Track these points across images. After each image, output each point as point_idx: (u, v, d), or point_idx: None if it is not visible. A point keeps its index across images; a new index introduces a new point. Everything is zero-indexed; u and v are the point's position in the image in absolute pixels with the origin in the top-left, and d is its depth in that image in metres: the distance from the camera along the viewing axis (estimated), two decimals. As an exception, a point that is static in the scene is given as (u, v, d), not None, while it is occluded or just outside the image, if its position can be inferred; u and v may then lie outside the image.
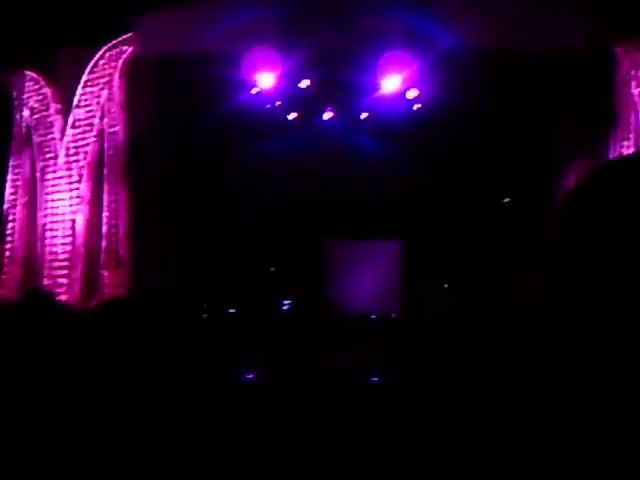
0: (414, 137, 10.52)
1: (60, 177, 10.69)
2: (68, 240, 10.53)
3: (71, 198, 10.59)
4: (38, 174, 10.84)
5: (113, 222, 10.42)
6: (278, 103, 10.49)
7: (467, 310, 9.42)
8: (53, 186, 10.74)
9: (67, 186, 10.62)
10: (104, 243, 10.42)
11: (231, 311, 9.93)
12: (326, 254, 11.84)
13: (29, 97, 10.88)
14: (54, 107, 10.78)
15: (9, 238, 10.78)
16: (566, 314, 1.05)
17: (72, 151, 10.65)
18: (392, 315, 10.39)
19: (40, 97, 10.85)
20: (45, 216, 10.74)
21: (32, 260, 10.65)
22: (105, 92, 10.61)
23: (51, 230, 10.67)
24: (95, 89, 10.64)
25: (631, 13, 9.54)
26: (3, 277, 10.60)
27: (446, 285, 11.43)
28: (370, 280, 11.60)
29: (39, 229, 10.74)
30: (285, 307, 10.68)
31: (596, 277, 1.01)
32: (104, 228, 10.44)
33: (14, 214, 10.84)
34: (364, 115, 10.82)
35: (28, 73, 10.84)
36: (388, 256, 11.81)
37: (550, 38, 9.71)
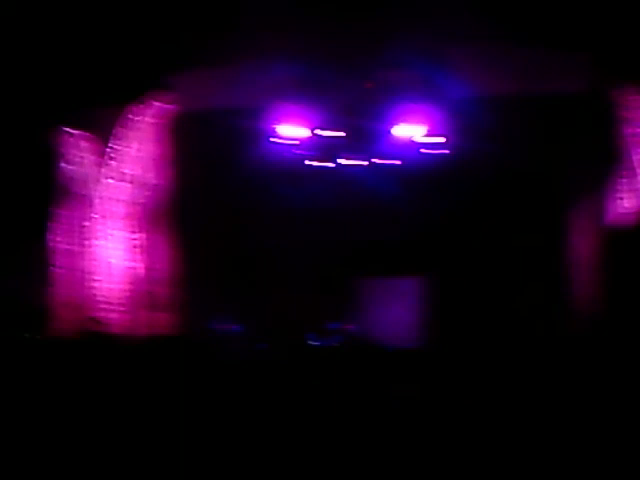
0: (430, 181, 11.31)
1: (100, 225, 11.48)
2: (109, 285, 11.29)
3: (111, 244, 11.37)
4: (80, 223, 11.60)
5: (153, 267, 11.20)
6: (305, 152, 11.30)
7: (488, 337, 10.11)
8: (94, 233, 11.52)
9: (106, 233, 11.41)
10: (145, 287, 11.18)
11: (264, 345, 10.63)
12: (353, 291, 12.55)
13: (71, 151, 11.68)
14: (94, 160, 11.59)
15: (55, 283, 11.51)
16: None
17: (111, 201, 11.45)
18: (417, 347, 11.07)
19: (81, 151, 11.66)
20: (87, 262, 11.49)
21: (77, 303, 11.38)
22: (142, 145, 11.44)
23: (94, 275, 11.42)
24: (133, 143, 11.47)
25: (627, 60, 10.36)
26: (52, 320, 11.31)
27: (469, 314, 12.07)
28: (395, 314, 12.29)
29: (82, 274, 11.48)
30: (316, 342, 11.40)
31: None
32: (144, 273, 11.21)
33: (59, 260, 11.59)
34: (385, 161, 11.62)
35: (70, 129, 11.65)
36: (412, 291, 12.51)
37: (554, 84, 10.48)
